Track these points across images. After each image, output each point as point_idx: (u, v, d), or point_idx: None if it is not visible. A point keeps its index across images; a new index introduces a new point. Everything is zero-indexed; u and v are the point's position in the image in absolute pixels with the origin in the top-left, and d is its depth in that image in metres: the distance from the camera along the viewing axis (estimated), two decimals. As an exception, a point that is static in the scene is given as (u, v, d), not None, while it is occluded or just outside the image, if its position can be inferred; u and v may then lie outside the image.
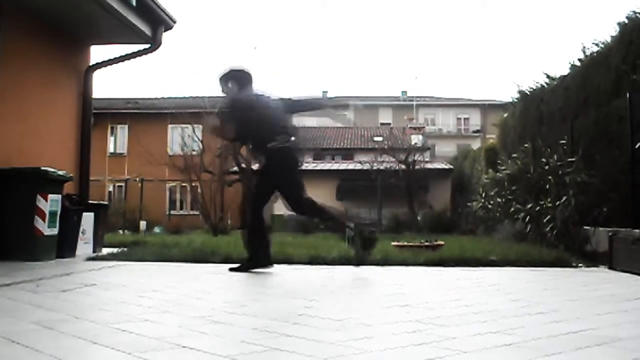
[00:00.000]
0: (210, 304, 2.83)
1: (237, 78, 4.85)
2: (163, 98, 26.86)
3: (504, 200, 8.58)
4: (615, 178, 6.40)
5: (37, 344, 1.82)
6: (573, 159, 6.84)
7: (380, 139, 25.54)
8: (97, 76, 7.22)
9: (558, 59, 47.59)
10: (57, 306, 2.68)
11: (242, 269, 4.56)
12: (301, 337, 1.99)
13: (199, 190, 15.85)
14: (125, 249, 6.42)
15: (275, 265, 5.00)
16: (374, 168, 19.24)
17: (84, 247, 5.96)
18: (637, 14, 6.60)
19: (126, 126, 25.14)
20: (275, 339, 1.96)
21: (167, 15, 6.70)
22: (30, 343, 1.83)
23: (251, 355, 1.71)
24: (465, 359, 1.69)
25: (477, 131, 41.13)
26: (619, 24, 6.99)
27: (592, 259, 5.68)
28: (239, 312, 2.56)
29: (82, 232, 5.91)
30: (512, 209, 8.04)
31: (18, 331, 2.03)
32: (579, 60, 8.27)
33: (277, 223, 18.24)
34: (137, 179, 20.49)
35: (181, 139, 20.11)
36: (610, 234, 5.24)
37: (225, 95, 4.97)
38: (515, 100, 11.17)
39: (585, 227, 6.54)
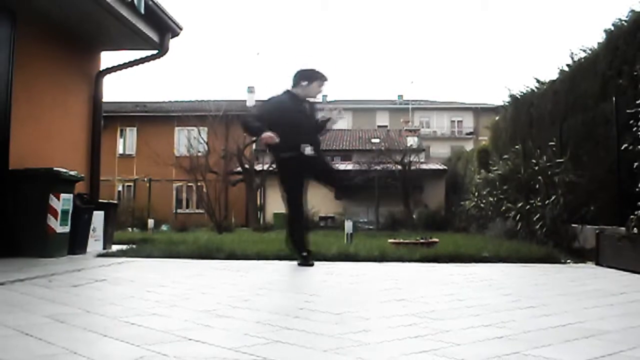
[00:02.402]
0: (215, 298, 2.83)
1: (306, 77, 4.80)
2: (170, 102, 26.90)
3: (495, 199, 8.58)
4: (601, 178, 6.40)
5: (49, 336, 1.82)
6: (562, 160, 6.84)
7: (377, 140, 25.56)
8: (107, 81, 7.22)
9: (547, 64, 47.67)
10: (68, 300, 2.68)
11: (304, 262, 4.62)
12: (302, 330, 1.99)
13: (204, 189, 15.86)
14: (134, 246, 6.41)
15: (277, 262, 5.00)
16: (372, 168, 19.25)
17: (95, 244, 5.96)
18: (623, 22, 6.59)
19: (135, 128, 25.15)
20: (277, 332, 1.96)
21: (174, 22, 6.70)
22: (44, 336, 1.83)
23: (254, 347, 1.70)
24: (459, 351, 1.69)
25: (470, 133, 41.13)
26: (605, 31, 6.98)
27: (580, 256, 5.68)
28: (242, 307, 2.56)
29: (92, 230, 5.91)
30: (504, 208, 8.04)
31: (32, 324, 2.03)
32: (568, 65, 8.26)
33: (278, 221, 18.25)
34: (145, 179, 20.50)
35: (187, 140, 20.13)
36: (597, 231, 5.23)
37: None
38: (507, 103, 11.16)
39: (573, 225, 6.53)
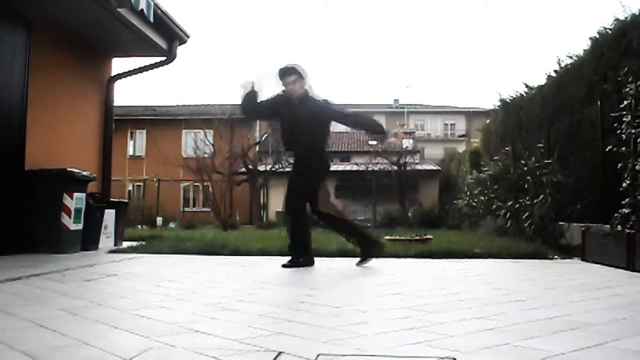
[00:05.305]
0: (221, 292, 2.82)
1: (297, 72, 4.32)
2: (178, 105, 26.84)
3: (486, 198, 8.59)
4: (587, 178, 6.40)
5: (63, 328, 1.82)
6: (549, 161, 6.84)
7: (374, 142, 25.52)
8: (118, 86, 7.21)
9: (536, 70, 47.45)
10: (81, 294, 2.68)
11: (293, 264, 4.26)
12: (303, 323, 1.99)
13: (210, 189, 15.84)
14: (143, 243, 6.41)
15: (279, 258, 4.99)
16: (369, 169, 19.26)
17: (106, 240, 5.96)
18: (608, 30, 6.59)
19: (144, 131, 25.13)
20: (279, 324, 1.96)
21: (181, 30, 6.70)
22: (57, 328, 1.83)
23: (257, 339, 1.70)
24: (452, 342, 1.69)
25: (463, 136, 41.09)
26: (591, 38, 6.98)
27: (567, 252, 5.68)
28: (246, 300, 2.56)
29: (104, 227, 5.91)
30: (494, 206, 8.04)
31: (46, 317, 2.03)
32: (555, 71, 8.26)
33: (280, 219, 18.24)
34: (154, 179, 20.48)
35: (194, 142, 20.13)
36: (583, 229, 5.23)
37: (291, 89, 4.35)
38: (497, 107, 11.16)
39: (561, 223, 6.53)
